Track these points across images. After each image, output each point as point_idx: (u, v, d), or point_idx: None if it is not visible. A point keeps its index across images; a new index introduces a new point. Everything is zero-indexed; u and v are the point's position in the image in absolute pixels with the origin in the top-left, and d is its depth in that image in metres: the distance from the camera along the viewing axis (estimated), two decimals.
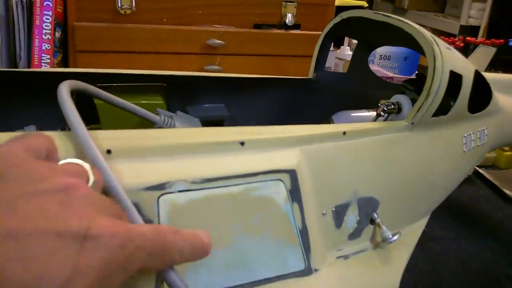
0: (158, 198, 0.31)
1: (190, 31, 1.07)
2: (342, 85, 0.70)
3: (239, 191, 0.35)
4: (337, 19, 0.62)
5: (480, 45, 1.02)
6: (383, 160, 0.47)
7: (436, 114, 0.50)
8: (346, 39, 1.33)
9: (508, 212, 0.91)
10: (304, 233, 0.38)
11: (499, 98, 0.65)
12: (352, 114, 0.63)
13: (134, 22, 1.02)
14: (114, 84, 0.53)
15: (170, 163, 0.33)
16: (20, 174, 0.21)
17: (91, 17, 0.98)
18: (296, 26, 1.19)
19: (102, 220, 0.21)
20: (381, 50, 1.37)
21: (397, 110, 0.54)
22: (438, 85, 0.48)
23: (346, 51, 1.31)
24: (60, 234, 0.19)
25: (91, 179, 0.25)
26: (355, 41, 0.90)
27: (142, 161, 0.32)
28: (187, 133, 0.37)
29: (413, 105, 0.50)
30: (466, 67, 0.54)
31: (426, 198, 0.54)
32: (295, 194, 0.37)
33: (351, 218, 0.44)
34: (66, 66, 1.02)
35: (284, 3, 1.17)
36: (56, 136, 0.29)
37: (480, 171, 1.05)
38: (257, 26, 1.16)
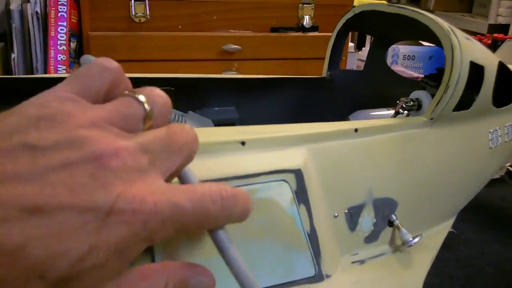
0: None
1: (206, 37, 1.06)
2: (359, 84, 0.67)
3: None
4: (350, 14, 0.60)
5: (507, 40, 0.98)
6: (401, 158, 0.44)
7: (458, 108, 0.47)
8: (368, 41, 1.30)
9: None
10: (313, 236, 0.35)
11: None
12: (370, 113, 0.61)
13: (149, 30, 1.02)
14: None
15: None
16: (56, 139, 0.20)
17: (105, 27, 0.99)
18: (314, 28, 1.17)
19: (132, 191, 0.20)
20: (405, 50, 1.34)
21: (417, 107, 0.51)
22: (457, 77, 0.46)
23: None
24: (84, 210, 0.19)
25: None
26: None
27: None
28: None
29: None
30: (489, 57, 0.52)
31: (450, 198, 0.51)
32: (301, 195, 0.35)
33: (367, 220, 0.41)
34: None
35: (301, 5, 1.15)
36: None
37: None
38: (274, 30, 1.15)
